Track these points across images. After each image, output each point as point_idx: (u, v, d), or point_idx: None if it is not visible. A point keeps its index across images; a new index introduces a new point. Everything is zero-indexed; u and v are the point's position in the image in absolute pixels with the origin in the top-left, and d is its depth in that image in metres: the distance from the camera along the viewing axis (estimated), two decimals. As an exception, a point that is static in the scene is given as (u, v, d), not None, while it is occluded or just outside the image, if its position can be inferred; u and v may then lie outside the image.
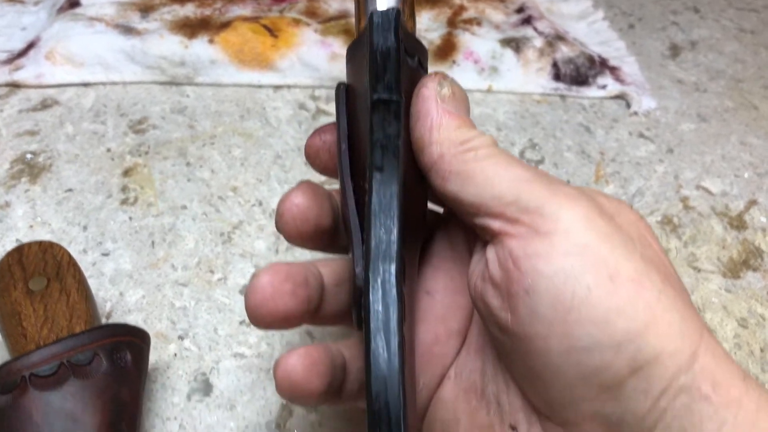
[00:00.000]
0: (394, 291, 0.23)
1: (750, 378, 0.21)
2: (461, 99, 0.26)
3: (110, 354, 0.28)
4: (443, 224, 0.29)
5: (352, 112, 0.27)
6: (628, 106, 0.54)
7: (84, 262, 0.39)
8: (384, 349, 0.22)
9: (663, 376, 0.20)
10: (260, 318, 0.25)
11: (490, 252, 0.23)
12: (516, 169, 0.23)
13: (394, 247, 0.23)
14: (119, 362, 0.28)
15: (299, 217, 0.26)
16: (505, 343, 0.23)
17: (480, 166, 0.23)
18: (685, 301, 0.22)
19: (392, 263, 0.23)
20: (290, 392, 0.24)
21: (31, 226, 0.41)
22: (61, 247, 0.33)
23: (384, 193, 0.24)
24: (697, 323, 0.22)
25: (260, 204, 0.43)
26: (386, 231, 0.23)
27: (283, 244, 0.41)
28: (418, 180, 0.26)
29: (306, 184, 0.27)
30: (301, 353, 0.25)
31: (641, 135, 0.52)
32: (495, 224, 0.23)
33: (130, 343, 0.29)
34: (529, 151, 0.49)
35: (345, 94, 0.27)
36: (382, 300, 0.23)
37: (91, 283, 0.37)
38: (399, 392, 0.22)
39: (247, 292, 0.25)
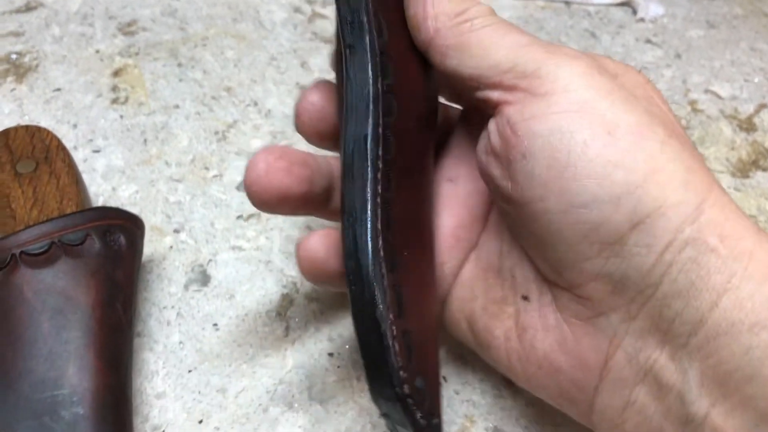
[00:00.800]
0: (368, 154, 0.22)
1: (764, 232, 0.20)
2: None
3: (103, 236, 0.27)
4: (464, 118, 0.28)
5: None
6: (635, 12, 0.52)
7: (75, 158, 0.37)
8: (360, 197, 0.22)
9: (666, 229, 0.20)
10: (256, 196, 0.24)
11: (491, 123, 0.23)
12: (513, 35, 0.22)
13: (370, 121, 0.22)
14: (112, 244, 0.27)
15: (316, 116, 0.25)
16: (510, 212, 0.23)
17: (477, 36, 0.22)
18: (693, 154, 0.21)
19: (366, 127, 0.22)
20: (312, 274, 0.24)
21: (18, 124, 0.39)
22: (49, 132, 0.31)
23: (358, 73, 0.23)
24: (705, 176, 0.21)
25: (255, 104, 0.42)
26: (361, 114, 0.22)
27: (281, 142, 0.39)
28: (420, 66, 0.25)
29: (323, 83, 0.26)
30: (321, 234, 0.24)
31: (648, 41, 0.50)
32: (494, 95, 0.22)
33: (123, 227, 0.28)
34: None
35: None
36: (358, 159, 0.22)
37: (83, 178, 0.36)
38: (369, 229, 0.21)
39: (245, 172, 0.24)
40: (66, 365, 0.24)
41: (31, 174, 0.29)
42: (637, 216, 0.20)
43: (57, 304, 0.25)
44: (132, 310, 0.28)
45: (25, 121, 0.39)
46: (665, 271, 0.20)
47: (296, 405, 0.28)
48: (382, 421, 0.27)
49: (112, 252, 0.27)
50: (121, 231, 0.28)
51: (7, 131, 0.31)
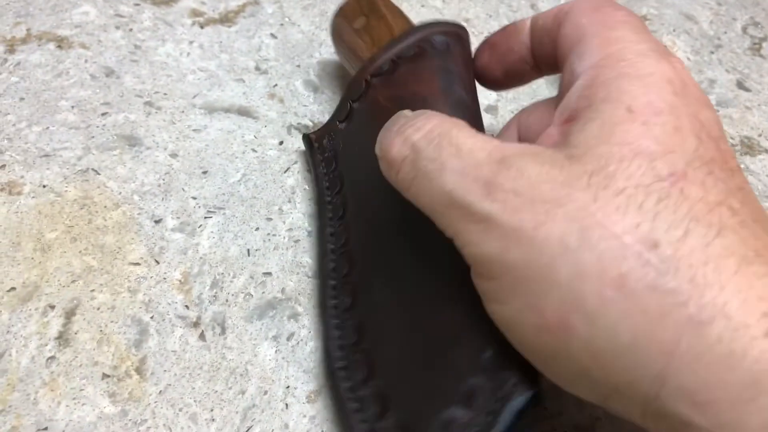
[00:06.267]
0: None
1: None
2: None
3: (429, 42, 0.29)
4: None
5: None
6: None
7: (335, 64, 0.40)
8: None
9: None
10: None
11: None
12: None
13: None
14: (436, 45, 0.29)
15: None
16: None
17: None
18: None
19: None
20: None
21: (282, 24, 0.42)
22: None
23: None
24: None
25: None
26: None
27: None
28: None
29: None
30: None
31: None
32: None
33: (445, 32, 0.30)
34: (752, 29, 0.48)
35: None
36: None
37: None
38: None
39: None
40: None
41: (365, 26, 0.33)
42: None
43: (404, 102, 0.28)
44: (474, 91, 0.29)
45: (286, 22, 0.42)
46: None
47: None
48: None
49: (436, 50, 0.29)
50: (443, 35, 0.29)
51: (342, 7, 0.35)
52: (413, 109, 0.25)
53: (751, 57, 0.46)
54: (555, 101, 0.25)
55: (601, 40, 0.22)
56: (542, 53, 0.27)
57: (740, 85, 0.44)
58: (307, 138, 0.32)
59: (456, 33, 0.30)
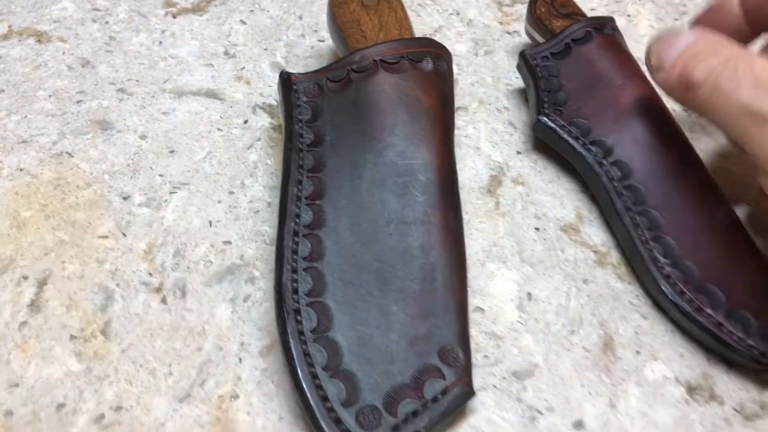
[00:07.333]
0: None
1: None
2: None
3: (434, 60, 0.33)
4: None
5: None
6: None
7: (303, 45, 0.42)
8: None
9: None
10: None
11: None
12: None
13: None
14: (439, 68, 0.33)
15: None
16: None
17: None
18: None
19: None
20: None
21: (252, 11, 0.44)
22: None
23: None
24: None
25: (458, 14, 0.45)
26: None
27: (482, 48, 0.43)
28: None
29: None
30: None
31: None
32: None
33: (444, 57, 0.34)
34: (718, -6, 0.49)
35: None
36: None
37: (316, 62, 0.40)
38: None
39: None
40: (420, 143, 0.30)
41: (375, 6, 0.36)
42: None
43: (409, 101, 0.31)
44: (453, 121, 0.33)
45: (256, 8, 0.44)
46: None
47: (509, 264, 0.32)
48: (589, 285, 0.31)
49: (440, 74, 0.33)
50: (443, 59, 0.33)
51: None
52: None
53: (715, 22, 0.47)
54: None
55: None
56: (761, 18, 0.31)
57: (702, 49, 0.45)
58: (287, 76, 0.33)
59: (449, 59, 0.34)
